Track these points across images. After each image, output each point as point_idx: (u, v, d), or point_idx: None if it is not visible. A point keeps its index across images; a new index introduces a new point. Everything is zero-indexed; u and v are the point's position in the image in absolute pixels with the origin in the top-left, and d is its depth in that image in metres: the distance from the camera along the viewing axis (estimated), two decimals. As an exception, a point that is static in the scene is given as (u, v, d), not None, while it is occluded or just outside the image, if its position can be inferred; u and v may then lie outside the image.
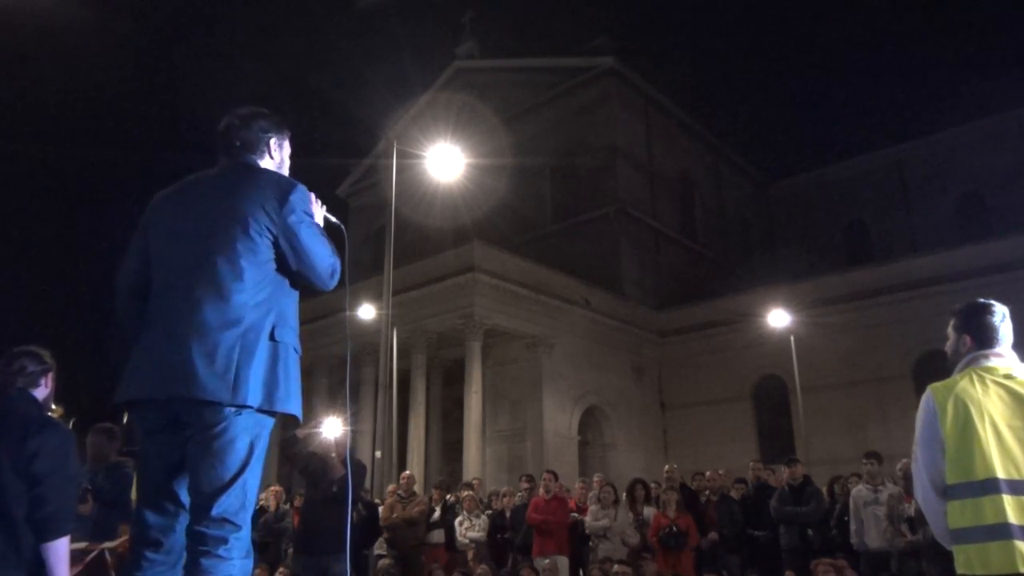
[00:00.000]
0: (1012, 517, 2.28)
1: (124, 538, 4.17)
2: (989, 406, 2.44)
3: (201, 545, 2.11)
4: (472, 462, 18.84)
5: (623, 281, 25.93)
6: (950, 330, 2.75)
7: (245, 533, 2.18)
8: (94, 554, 4.10)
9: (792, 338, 20.07)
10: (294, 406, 2.28)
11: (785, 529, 8.32)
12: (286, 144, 2.63)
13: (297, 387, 2.30)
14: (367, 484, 11.90)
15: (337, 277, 2.47)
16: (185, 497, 2.26)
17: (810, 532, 8.15)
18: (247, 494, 2.19)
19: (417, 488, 9.82)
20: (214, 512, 2.12)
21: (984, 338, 2.65)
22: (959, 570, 2.37)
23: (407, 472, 10.94)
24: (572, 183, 28.49)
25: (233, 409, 2.14)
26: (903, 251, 26.96)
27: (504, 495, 10.26)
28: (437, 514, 10.05)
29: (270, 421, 2.27)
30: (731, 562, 8.88)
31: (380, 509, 9.61)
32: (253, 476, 2.21)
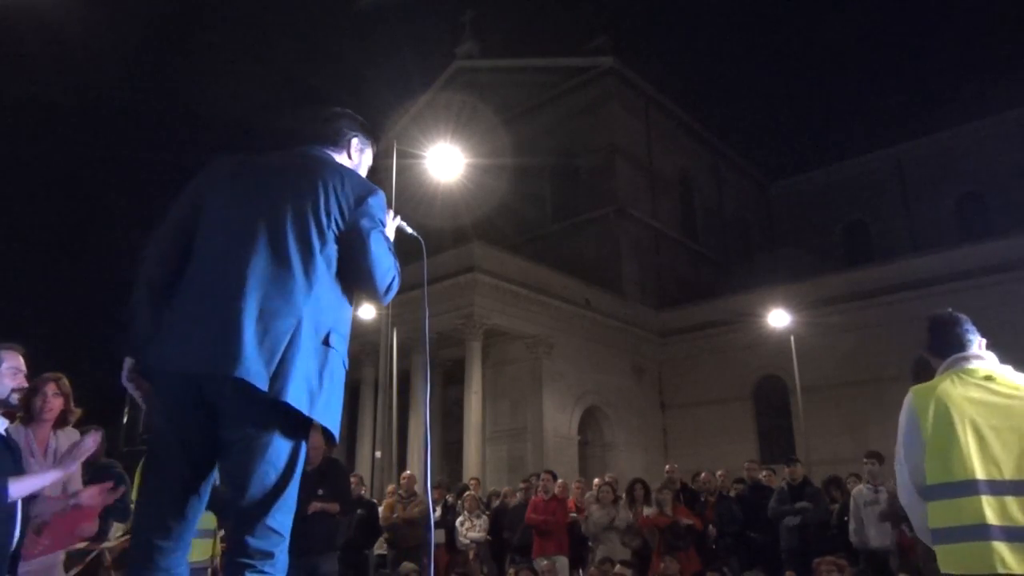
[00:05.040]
0: (990, 518, 2.29)
1: (124, 537, 4.17)
2: (969, 407, 2.47)
3: (247, 558, 1.96)
4: (472, 462, 18.84)
5: (623, 281, 25.94)
6: (923, 352, 2.84)
7: (286, 544, 2.05)
8: (94, 554, 4.11)
9: (792, 338, 20.08)
10: (332, 421, 2.08)
11: (784, 530, 8.33)
12: (368, 152, 2.52)
13: (339, 404, 2.11)
14: (366, 483, 11.90)
15: (393, 293, 2.29)
16: (194, 510, 2.09)
17: (810, 531, 8.15)
18: (292, 502, 2.05)
19: (417, 488, 9.82)
20: (268, 522, 1.97)
21: (947, 346, 2.71)
22: (941, 568, 2.39)
23: (407, 472, 10.94)
24: (572, 183, 28.50)
25: (279, 405, 1.95)
26: (903, 251, 26.95)
27: (505, 495, 10.27)
28: (437, 514, 10.05)
29: (307, 429, 2.09)
30: (731, 562, 8.88)
31: (380, 509, 9.62)
32: (296, 483, 2.07)
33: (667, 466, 10.15)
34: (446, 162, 12.50)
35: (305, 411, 1.98)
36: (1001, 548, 2.25)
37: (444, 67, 33.09)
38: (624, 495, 9.20)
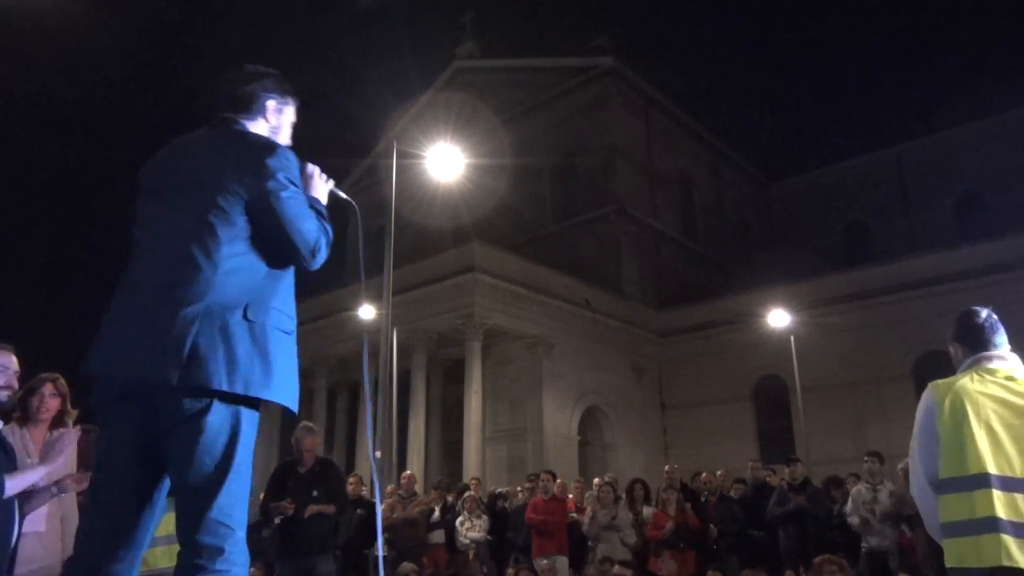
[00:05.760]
0: (1001, 512, 2.32)
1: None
2: (987, 404, 2.48)
3: (196, 558, 1.90)
4: (472, 462, 18.83)
5: (623, 281, 25.93)
6: (949, 342, 2.84)
7: (241, 535, 1.98)
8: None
9: (792, 338, 20.06)
10: (280, 394, 2.03)
11: (784, 529, 8.32)
12: (288, 110, 2.41)
13: (284, 373, 2.05)
14: (366, 483, 11.89)
15: (322, 255, 2.20)
16: (148, 522, 2.04)
17: (810, 531, 8.15)
18: (241, 489, 1.98)
19: (417, 488, 9.81)
20: (214, 515, 1.91)
21: (974, 341, 2.72)
22: (948, 563, 2.41)
23: (408, 472, 10.94)
24: (572, 183, 28.50)
25: (201, 392, 1.92)
26: (903, 251, 26.92)
27: (511, 495, 10.27)
28: (437, 514, 10.04)
29: (249, 411, 2.03)
30: (731, 562, 8.88)
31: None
32: (244, 469, 2.00)
33: (667, 467, 10.14)
34: (446, 162, 12.48)
35: (239, 391, 1.95)
36: (1008, 541, 2.28)
37: (444, 67, 33.10)
38: (624, 495, 9.20)
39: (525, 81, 29.87)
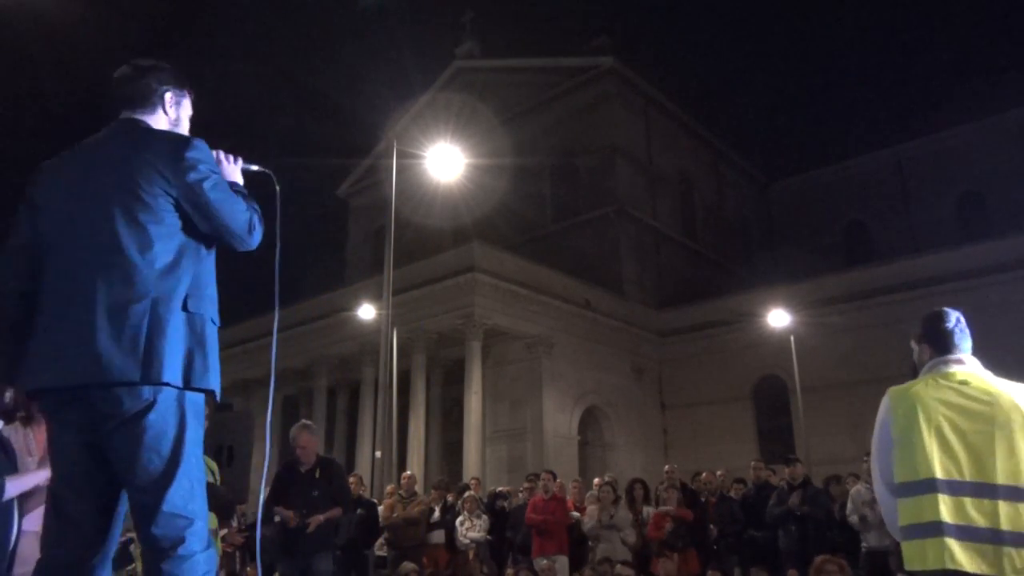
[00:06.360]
0: (946, 516, 2.36)
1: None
2: (939, 409, 2.52)
3: (157, 550, 1.95)
4: (472, 462, 18.83)
5: (623, 281, 25.94)
6: (912, 342, 2.84)
7: (201, 524, 2.02)
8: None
9: (792, 338, 20.07)
10: (213, 381, 2.09)
11: (784, 529, 8.32)
12: (185, 102, 2.40)
13: (216, 361, 2.12)
14: (366, 483, 11.90)
15: (258, 233, 2.25)
16: (114, 526, 2.08)
17: (810, 531, 8.15)
18: (193, 481, 2.02)
19: (417, 488, 9.79)
20: (165, 508, 1.95)
21: (941, 345, 2.73)
22: (905, 566, 2.46)
23: (408, 472, 10.93)
24: (572, 183, 28.51)
25: (150, 389, 1.96)
26: (903, 251, 26.92)
27: (511, 495, 10.27)
28: (437, 514, 10.04)
29: (197, 399, 2.08)
30: (731, 562, 8.88)
31: (380, 509, 9.61)
32: (195, 461, 2.04)
33: (666, 467, 10.14)
34: (446, 162, 12.49)
35: (187, 384, 2.01)
36: (952, 545, 2.32)
37: (444, 67, 33.11)
38: (624, 495, 9.20)
39: (525, 81, 29.88)
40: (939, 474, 2.41)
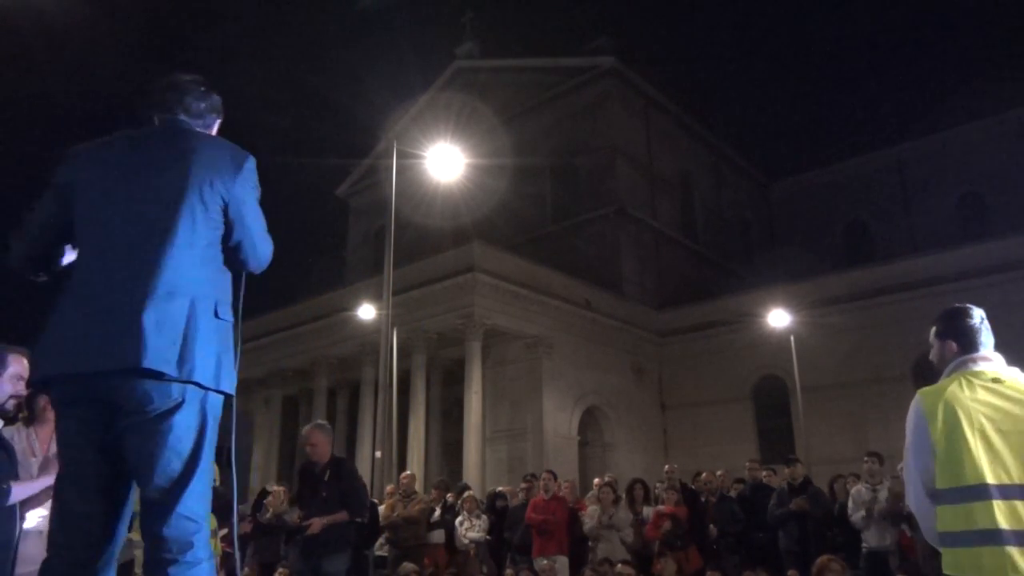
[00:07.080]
0: (1003, 523, 2.28)
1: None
2: (978, 410, 2.44)
3: (166, 552, 1.92)
4: (472, 462, 18.84)
5: (623, 281, 25.94)
6: (932, 338, 2.77)
7: (206, 529, 2.01)
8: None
9: (792, 338, 20.07)
10: (232, 386, 2.12)
11: (784, 529, 8.32)
12: (218, 122, 2.47)
13: (235, 369, 2.16)
14: (366, 484, 11.88)
15: (269, 261, 2.34)
16: (120, 524, 2.06)
17: (810, 531, 8.15)
18: (206, 485, 2.02)
19: (417, 488, 9.78)
20: (180, 510, 1.93)
21: (967, 342, 2.66)
22: (945, 570, 2.37)
23: (408, 472, 10.93)
24: (572, 183, 28.50)
25: (179, 387, 1.94)
26: (903, 251, 26.95)
27: (509, 495, 10.27)
28: (437, 514, 10.05)
29: (217, 401, 2.08)
30: (731, 562, 8.88)
31: (381, 508, 9.61)
32: (209, 464, 2.04)
33: (666, 467, 10.14)
34: (446, 162, 12.50)
35: (213, 386, 2.02)
36: (1014, 553, 2.24)
37: (444, 67, 33.11)
38: (624, 495, 9.20)
39: (525, 81, 29.88)
40: (990, 479, 2.33)
